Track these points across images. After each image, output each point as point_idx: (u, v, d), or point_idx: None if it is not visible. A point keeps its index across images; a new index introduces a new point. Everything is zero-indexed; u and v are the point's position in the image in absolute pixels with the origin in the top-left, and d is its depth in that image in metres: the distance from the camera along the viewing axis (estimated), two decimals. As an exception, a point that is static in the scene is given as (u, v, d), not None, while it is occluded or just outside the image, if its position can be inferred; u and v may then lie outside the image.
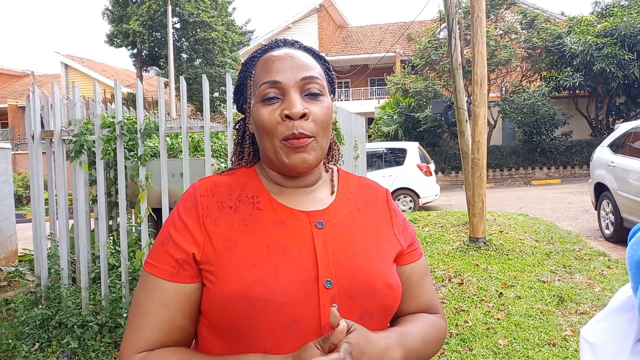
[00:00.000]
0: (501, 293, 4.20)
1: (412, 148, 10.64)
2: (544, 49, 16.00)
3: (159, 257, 0.83)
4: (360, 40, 26.52)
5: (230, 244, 0.82)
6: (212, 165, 3.50)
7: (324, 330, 0.78)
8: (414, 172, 10.17)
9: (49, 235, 3.78)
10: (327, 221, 0.87)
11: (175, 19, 21.13)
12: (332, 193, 0.93)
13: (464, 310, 3.88)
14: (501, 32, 16.44)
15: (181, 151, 3.74)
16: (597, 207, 6.87)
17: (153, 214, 3.56)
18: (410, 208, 10.07)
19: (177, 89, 18.39)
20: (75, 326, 3.30)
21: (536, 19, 16.32)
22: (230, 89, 3.68)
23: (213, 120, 4.26)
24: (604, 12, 16.27)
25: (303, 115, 0.82)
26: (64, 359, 3.17)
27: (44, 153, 3.80)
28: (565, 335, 3.34)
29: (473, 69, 5.55)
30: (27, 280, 4.27)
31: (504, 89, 17.13)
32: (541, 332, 3.42)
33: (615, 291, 0.90)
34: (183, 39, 21.93)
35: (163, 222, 1.02)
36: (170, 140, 4.45)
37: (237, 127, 0.98)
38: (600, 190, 6.73)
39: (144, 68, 23.53)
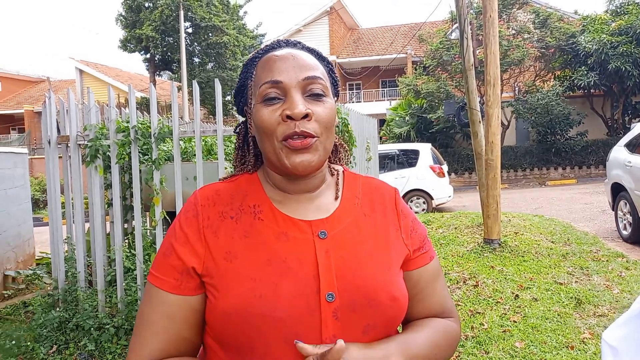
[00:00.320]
0: (517, 295, 4.15)
1: (425, 149, 10.58)
2: (557, 48, 15.83)
3: (163, 269, 0.83)
4: (371, 42, 26.48)
5: (230, 256, 0.81)
6: (226, 168, 3.51)
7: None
8: (426, 173, 10.11)
9: (65, 239, 3.83)
10: (330, 230, 0.85)
11: (188, 24, 21.31)
12: (336, 198, 0.89)
13: (479, 313, 3.84)
14: (514, 31, 16.30)
15: (195, 155, 3.77)
16: (614, 207, 6.77)
17: (167, 217, 3.59)
18: (423, 210, 10.01)
19: (190, 92, 18.54)
20: (92, 328, 3.33)
21: (549, 18, 16.17)
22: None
23: (226, 123, 4.28)
24: (618, 10, 16.05)
25: (305, 116, 0.79)
26: (81, 361, 3.21)
27: (60, 157, 3.86)
28: (584, 338, 3.29)
29: (486, 69, 5.51)
30: (45, 283, 4.32)
31: (517, 89, 16.99)
32: (559, 334, 3.37)
33: (635, 293, 0.88)
34: (195, 44, 22.12)
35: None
36: (184, 144, 4.48)
37: (237, 130, 0.95)
38: (617, 191, 6.63)
39: (157, 73, 23.76)
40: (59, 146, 3.79)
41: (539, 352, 3.13)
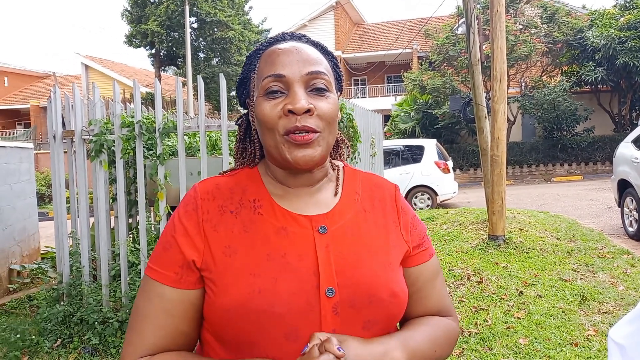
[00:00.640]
0: (521, 292, 4.14)
1: (430, 145, 10.54)
2: (564, 44, 15.70)
3: (162, 262, 0.82)
4: (377, 37, 26.38)
5: (230, 251, 0.80)
6: (230, 163, 3.51)
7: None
8: (431, 169, 10.08)
9: (70, 234, 3.84)
10: (330, 225, 0.84)
11: (193, 19, 21.33)
12: (336, 194, 0.89)
13: (483, 309, 3.83)
14: (521, 26, 16.16)
15: (199, 150, 3.77)
16: (621, 204, 6.72)
17: (172, 212, 3.59)
18: (428, 206, 9.99)
19: (195, 88, 18.54)
20: (96, 323, 3.35)
21: (557, 12, 16.03)
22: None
23: (230, 119, 4.28)
24: (627, 4, 15.87)
25: (307, 111, 0.78)
26: (85, 354, 3.23)
27: (65, 152, 3.87)
28: (588, 335, 3.28)
29: (492, 65, 5.47)
30: (50, 277, 4.35)
31: (523, 84, 16.85)
32: (563, 331, 3.36)
33: (641, 290, 0.87)
34: (200, 39, 22.13)
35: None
36: (189, 139, 4.48)
37: (239, 122, 0.94)
38: (624, 187, 6.59)
39: (162, 68, 23.82)
40: (64, 141, 3.80)
41: (542, 348, 3.12)
